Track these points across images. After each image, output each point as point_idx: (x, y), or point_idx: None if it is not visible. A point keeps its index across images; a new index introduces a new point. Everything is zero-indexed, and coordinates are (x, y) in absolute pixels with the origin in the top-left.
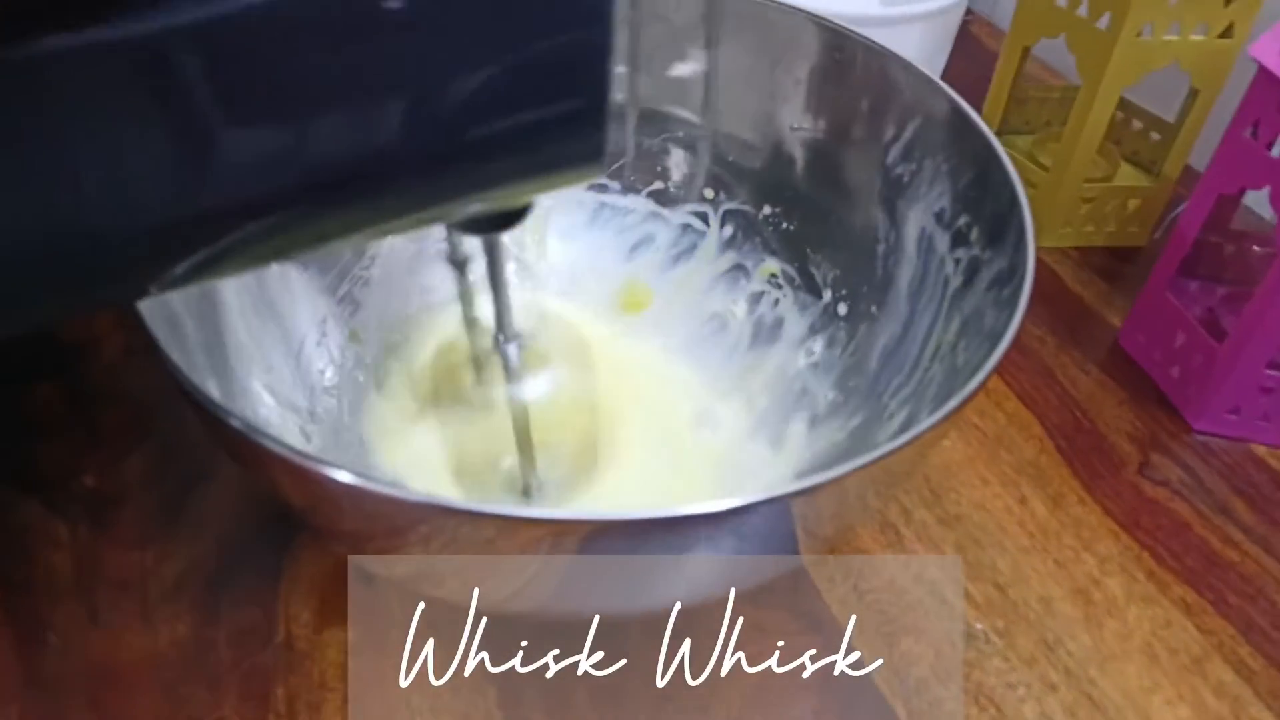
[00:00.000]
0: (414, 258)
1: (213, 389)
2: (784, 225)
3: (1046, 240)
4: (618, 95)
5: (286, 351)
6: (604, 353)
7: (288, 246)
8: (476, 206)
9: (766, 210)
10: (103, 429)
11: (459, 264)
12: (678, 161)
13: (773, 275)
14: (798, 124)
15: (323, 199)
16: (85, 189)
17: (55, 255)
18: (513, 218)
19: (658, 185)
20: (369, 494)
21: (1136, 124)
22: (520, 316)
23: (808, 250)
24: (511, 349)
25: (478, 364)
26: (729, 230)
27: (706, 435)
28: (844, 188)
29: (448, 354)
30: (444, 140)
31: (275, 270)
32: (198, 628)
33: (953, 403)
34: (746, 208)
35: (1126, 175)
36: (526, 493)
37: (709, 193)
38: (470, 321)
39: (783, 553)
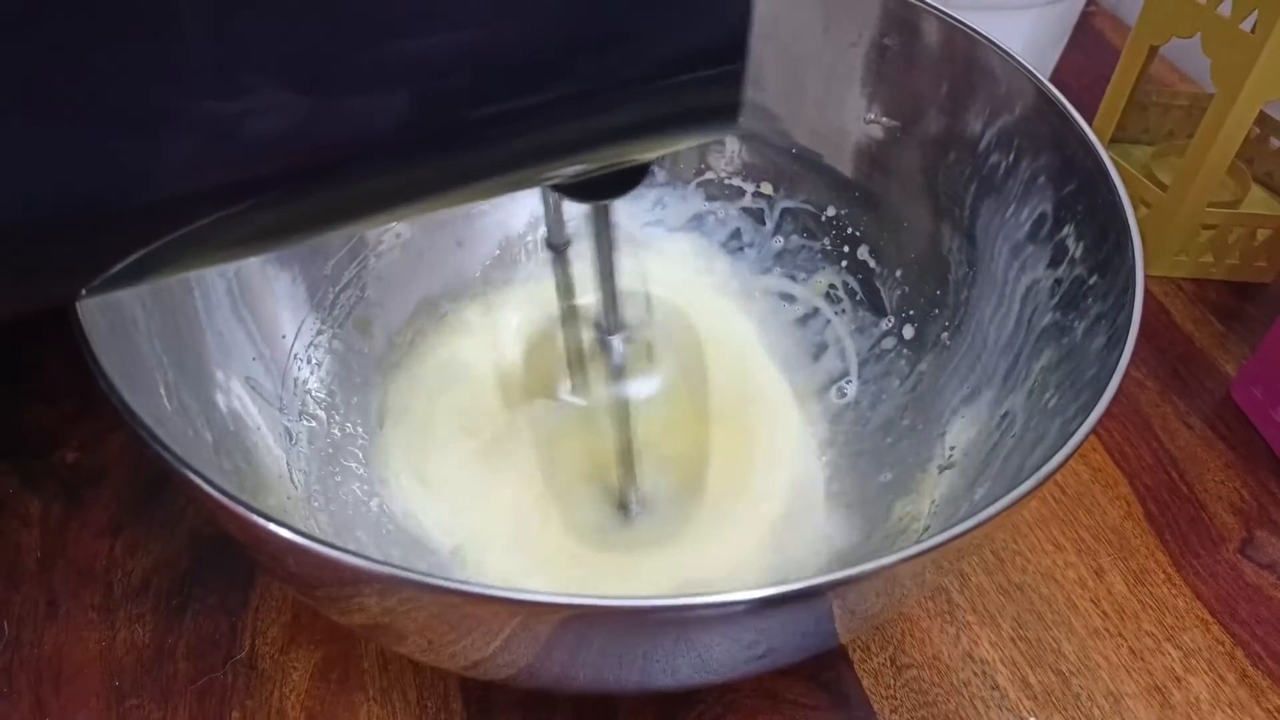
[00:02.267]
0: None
1: (171, 384)
2: (849, 230)
3: (1157, 268)
4: None
5: (273, 345)
6: (714, 351)
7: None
8: (594, 163)
9: (830, 212)
10: (93, 399)
11: (559, 246)
12: (732, 150)
13: (831, 287)
14: (871, 114)
15: (438, 143)
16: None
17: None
18: (628, 181)
19: (708, 175)
20: (305, 551)
21: (1275, 142)
22: (626, 304)
23: (873, 261)
24: (617, 342)
25: (574, 360)
26: (787, 230)
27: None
28: (921, 191)
29: (538, 349)
30: (569, 80)
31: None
32: (158, 633)
33: (1038, 475)
34: (808, 207)
35: (1257, 201)
36: (624, 508)
37: (767, 188)
38: (569, 312)
39: (816, 639)
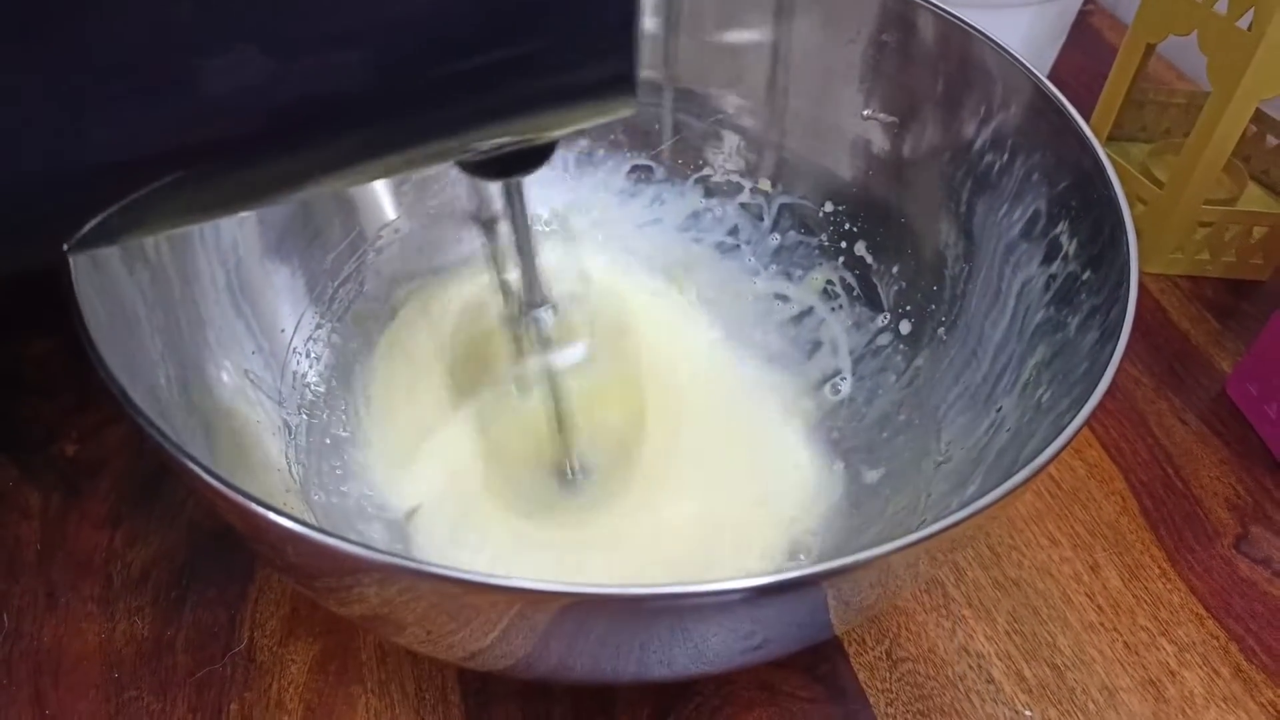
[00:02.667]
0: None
1: (171, 376)
2: (846, 226)
3: (1153, 266)
4: (650, 72)
5: (272, 339)
6: (649, 327)
7: (281, 182)
8: (495, 140)
9: (829, 208)
10: (92, 391)
11: (487, 222)
12: (730, 146)
13: (829, 283)
14: (869, 110)
15: (326, 124)
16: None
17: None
18: (534, 158)
19: (706, 172)
20: (305, 540)
21: (1272, 140)
22: (555, 279)
23: (869, 258)
24: (545, 314)
25: (513, 333)
26: (784, 227)
27: (752, 437)
28: (918, 187)
29: (474, 322)
30: (461, 57)
31: (258, 246)
32: (157, 625)
33: (1031, 467)
34: (806, 203)
35: (1254, 198)
36: (566, 476)
37: (765, 184)
38: (502, 286)
39: (811, 629)
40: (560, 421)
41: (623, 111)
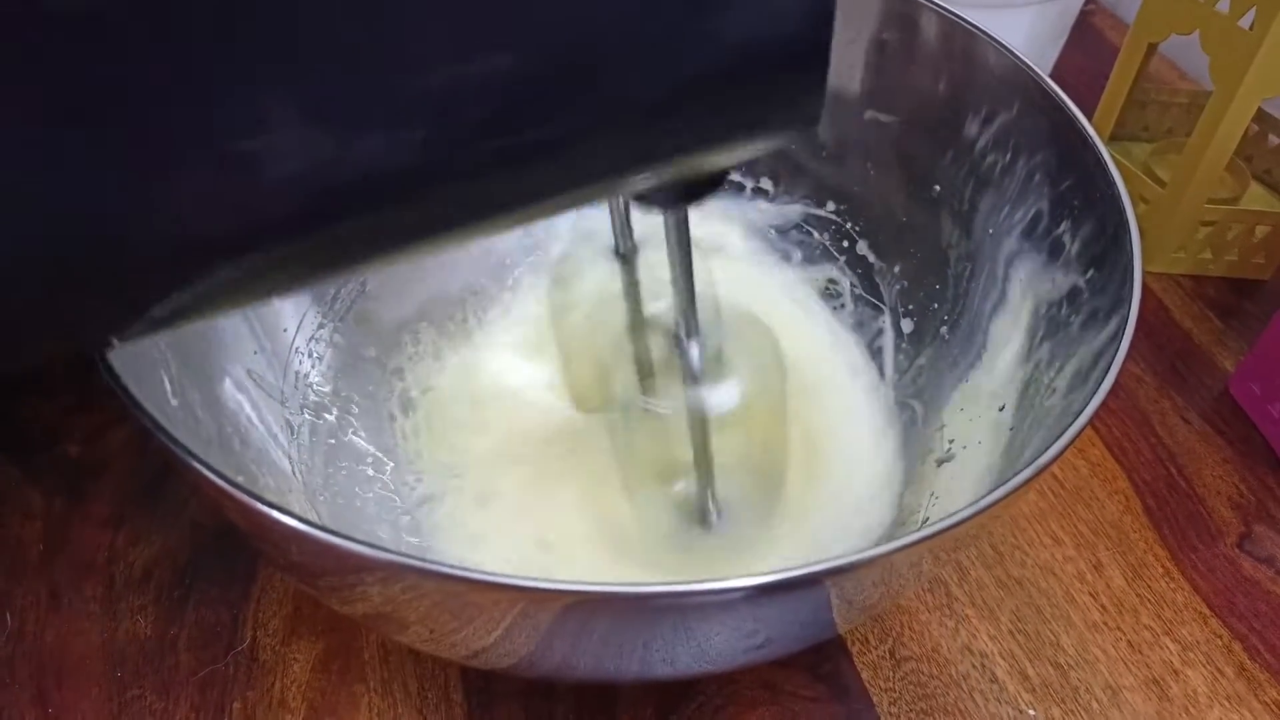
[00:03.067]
0: None
1: (174, 377)
2: (848, 225)
3: (1155, 265)
4: None
5: (275, 338)
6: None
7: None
8: (669, 172)
9: (830, 208)
10: (94, 391)
11: (627, 255)
12: None
13: (831, 283)
14: (870, 110)
15: (489, 161)
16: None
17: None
18: (706, 187)
19: None
20: (309, 538)
21: (1274, 140)
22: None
23: (872, 257)
24: (694, 349)
25: (643, 369)
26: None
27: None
28: (921, 187)
29: (601, 357)
30: (646, 89)
31: None
32: (160, 624)
33: (1034, 466)
34: (807, 203)
35: (1256, 198)
36: (703, 520)
37: (766, 184)
38: (639, 322)
39: (814, 629)
40: (703, 462)
41: (804, 136)
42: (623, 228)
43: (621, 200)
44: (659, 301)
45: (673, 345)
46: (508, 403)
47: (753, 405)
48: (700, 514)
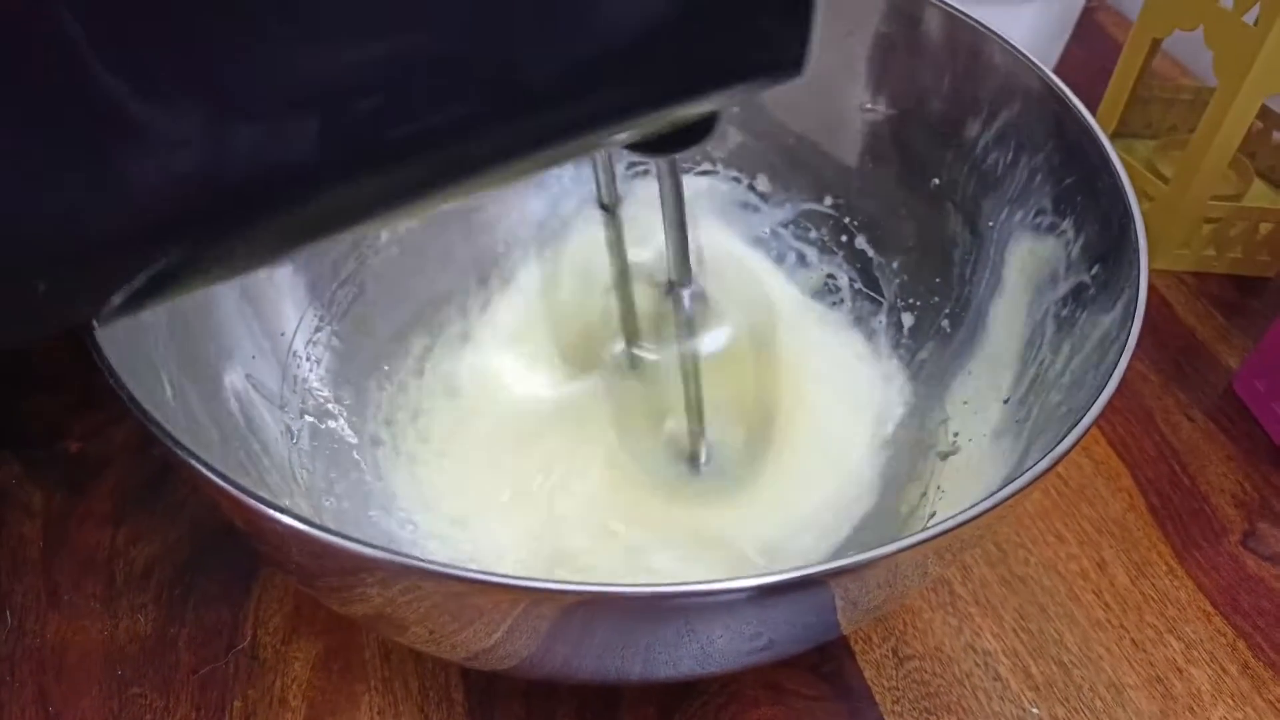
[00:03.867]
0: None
1: (174, 378)
2: (847, 220)
3: (1159, 262)
4: None
5: (274, 341)
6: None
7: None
8: (657, 120)
9: (828, 202)
10: (96, 389)
11: (610, 206)
12: (733, 142)
13: (830, 278)
14: (870, 104)
15: (483, 114)
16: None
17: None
18: (697, 133)
19: (705, 166)
20: (308, 538)
21: (1278, 136)
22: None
23: (871, 251)
24: (686, 296)
25: (629, 320)
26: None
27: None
28: (921, 182)
29: (582, 309)
30: (630, 37)
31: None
32: (160, 622)
33: (1038, 468)
34: (806, 196)
35: (1260, 195)
36: (694, 461)
37: (763, 179)
38: (622, 273)
39: (818, 629)
40: (695, 408)
41: (788, 81)
42: (607, 180)
43: (604, 168)
44: (644, 250)
45: (665, 291)
46: (503, 395)
47: (741, 346)
48: (691, 455)
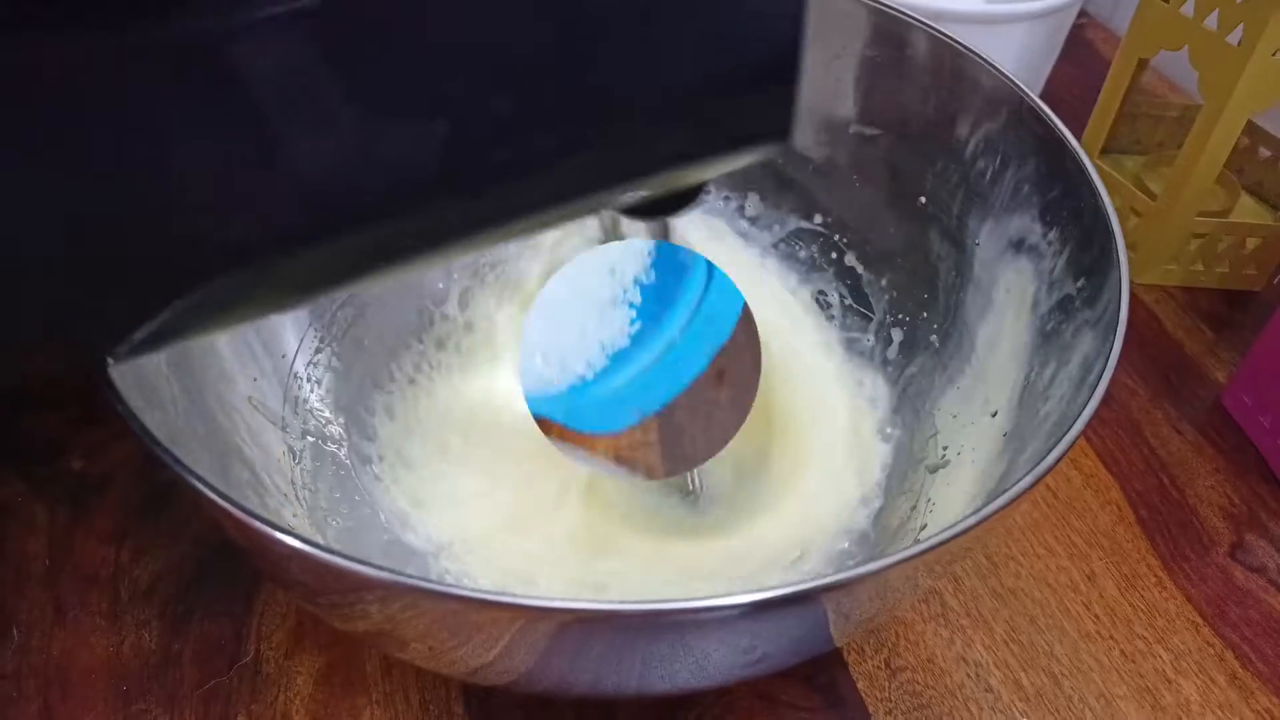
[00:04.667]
0: None
1: (176, 397)
2: (836, 237)
3: (1148, 277)
4: None
5: (275, 362)
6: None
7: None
8: (649, 188)
9: (817, 220)
10: (98, 407)
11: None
12: None
13: (820, 294)
14: (857, 125)
15: (479, 183)
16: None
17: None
18: (685, 200)
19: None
20: (308, 558)
21: (1264, 152)
22: None
23: (861, 268)
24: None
25: None
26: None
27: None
28: (909, 200)
29: None
30: (624, 111)
31: None
32: (164, 638)
33: (1026, 481)
34: (795, 215)
35: (1247, 210)
36: (686, 493)
37: (753, 198)
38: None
39: (812, 643)
40: None
41: (776, 151)
42: (615, 239)
43: (608, 215)
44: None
45: None
46: (504, 417)
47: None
48: (686, 489)
